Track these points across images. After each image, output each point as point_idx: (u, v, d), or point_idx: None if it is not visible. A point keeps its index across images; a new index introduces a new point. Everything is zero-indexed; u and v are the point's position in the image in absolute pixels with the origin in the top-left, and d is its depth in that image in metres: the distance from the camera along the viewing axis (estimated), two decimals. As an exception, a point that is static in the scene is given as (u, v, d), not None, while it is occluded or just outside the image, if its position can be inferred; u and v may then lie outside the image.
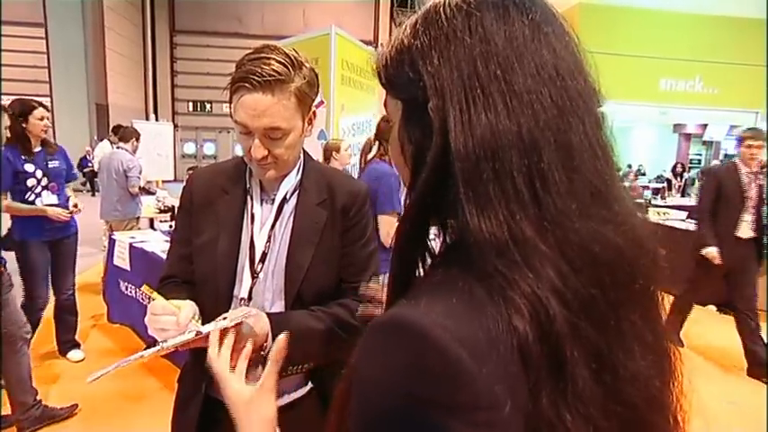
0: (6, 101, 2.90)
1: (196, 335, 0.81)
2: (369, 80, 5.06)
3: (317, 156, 3.48)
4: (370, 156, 2.73)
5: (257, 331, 0.92)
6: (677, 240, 5.19)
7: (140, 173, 4.47)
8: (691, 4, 7.81)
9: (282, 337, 0.74)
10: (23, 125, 2.84)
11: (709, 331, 4.13)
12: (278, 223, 1.05)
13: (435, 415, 0.34)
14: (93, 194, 12.28)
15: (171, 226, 4.10)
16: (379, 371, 0.38)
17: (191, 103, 18.62)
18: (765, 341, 3.26)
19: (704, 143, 14.50)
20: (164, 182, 7.55)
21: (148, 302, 0.91)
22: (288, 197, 1.07)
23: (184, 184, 1.14)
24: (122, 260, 3.53)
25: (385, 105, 0.52)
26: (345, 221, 1.09)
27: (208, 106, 18.60)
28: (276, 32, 16.41)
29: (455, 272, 0.40)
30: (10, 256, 2.59)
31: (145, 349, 0.80)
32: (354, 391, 0.40)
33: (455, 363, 0.34)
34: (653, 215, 6.06)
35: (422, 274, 0.47)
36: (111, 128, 5.05)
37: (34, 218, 2.90)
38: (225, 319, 0.84)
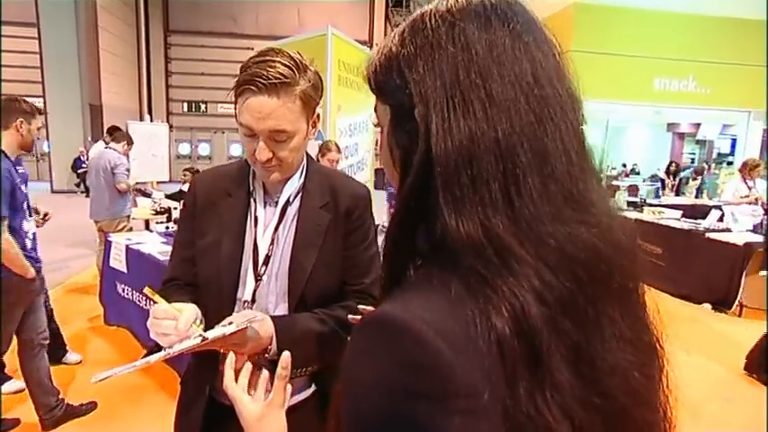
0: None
1: (202, 340, 0.81)
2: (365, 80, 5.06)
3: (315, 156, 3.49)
4: None
5: (262, 335, 0.93)
6: (672, 239, 5.24)
7: (128, 170, 4.42)
8: (685, 4, 7.88)
9: (287, 354, 0.74)
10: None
11: (705, 329, 4.17)
12: (281, 226, 1.06)
13: (418, 405, 0.36)
14: (88, 195, 12.21)
15: (167, 227, 4.09)
16: (363, 367, 0.40)
17: (185, 104, 18.52)
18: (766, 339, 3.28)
19: (697, 142, 14.60)
20: (158, 183, 7.51)
21: (150, 305, 0.91)
22: (291, 200, 1.07)
23: (188, 186, 1.14)
24: (119, 262, 3.51)
25: (375, 110, 0.53)
26: (348, 224, 1.09)
27: (203, 107, 18.51)
28: (271, 32, 16.38)
29: (436, 271, 0.42)
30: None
31: (147, 354, 0.80)
32: (344, 390, 0.42)
33: (435, 354, 0.36)
34: (648, 214, 6.10)
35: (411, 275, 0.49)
36: (105, 129, 5.01)
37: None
38: (231, 323, 0.85)
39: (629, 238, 0.46)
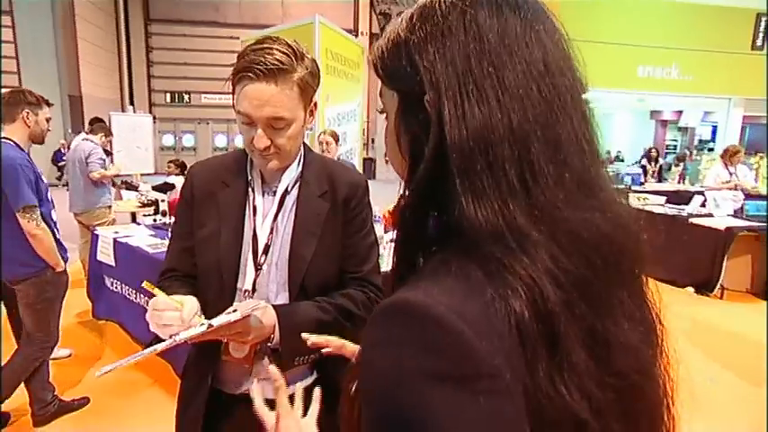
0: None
1: (208, 327, 0.81)
2: (353, 70, 5.02)
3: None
4: None
5: (265, 323, 0.93)
6: (657, 225, 5.33)
7: (102, 160, 4.30)
8: (668, -8, 7.93)
9: (276, 370, 0.73)
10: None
11: (687, 312, 4.28)
12: (280, 215, 1.06)
13: (442, 387, 0.36)
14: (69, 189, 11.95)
15: (155, 220, 4.03)
16: (384, 352, 0.40)
17: (168, 94, 18.15)
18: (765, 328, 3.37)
19: (680, 129, 14.85)
20: (142, 175, 7.38)
21: (140, 298, 0.91)
22: (289, 189, 1.07)
23: (182, 178, 1.13)
24: (106, 255, 3.46)
25: (380, 95, 0.53)
26: (347, 213, 1.09)
27: (186, 97, 18.16)
28: (254, 21, 16.09)
29: (453, 257, 0.42)
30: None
31: (148, 345, 0.80)
32: (363, 377, 0.42)
33: (457, 335, 0.37)
34: (633, 201, 6.19)
35: (422, 262, 0.49)
36: (87, 121, 4.90)
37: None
38: (235, 311, 0.85)
39: (635, 222, 0.47)
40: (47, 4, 13.28)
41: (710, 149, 11.22)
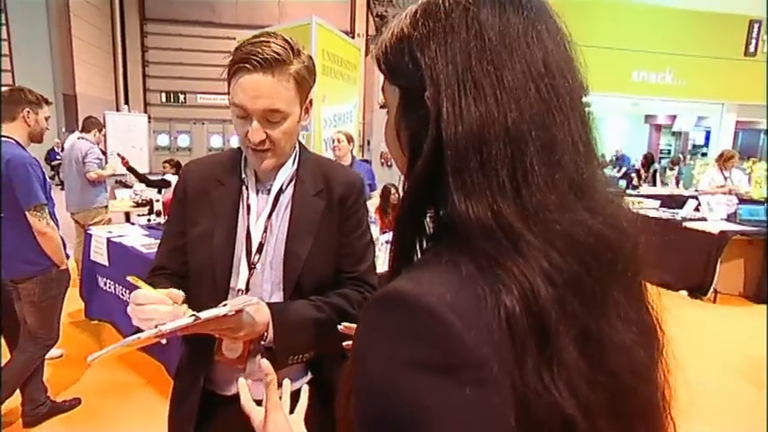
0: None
1: (195, 320, 0.79)
2: (350, 71, 5.02)
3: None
4: None
5: (257, 320, 0.92)
6: (651, 228, 5.35)
7: (99, 159, 4.30)
8: (662, -3, 7.99)
9: (267, 363, 0.73)
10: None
11: (680, 316, 4.29)
12: (274, 214, 1.05)
13: (430, 377, 0.37)
14: (63, 188, 11.88)
15: (149, 220, 4.01)
16: (376, 341, 0.41)
17: (163, 94, 18.05)
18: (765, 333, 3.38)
19: (673, 134, 14.95)
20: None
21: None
22: (284, 187, 1.06)
23: (176, 176, 1.12)
24: (100, 255, 3.44)
25: (382, 90, 0.53)
26: (342, 212, 1.09)
27: (181, 97, 18.07)
28: (250, 22, 16.06)
29: (446, 251, 0.43)
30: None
31: (135, 332, 0.78)
32: (355, 366, 0.43)
33: (447, 326, 0.37)
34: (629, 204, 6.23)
35: (419, 256, 0.50)
36: (81, 120, 4.86)
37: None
38: (225, 305, 0.83)
39: (632, 224, 0.47)
40: (41, 1, 13.19)
41: (704, 154, 11.30)
